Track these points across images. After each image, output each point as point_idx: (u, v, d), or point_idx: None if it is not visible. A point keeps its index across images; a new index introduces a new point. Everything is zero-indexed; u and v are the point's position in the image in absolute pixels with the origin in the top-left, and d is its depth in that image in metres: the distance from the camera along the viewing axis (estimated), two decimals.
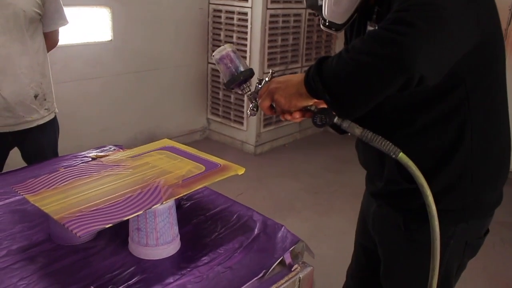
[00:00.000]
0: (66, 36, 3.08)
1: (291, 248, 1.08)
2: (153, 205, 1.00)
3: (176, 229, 1.08)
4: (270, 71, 1.12)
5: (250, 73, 1.10)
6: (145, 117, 3.77)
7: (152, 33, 3.61)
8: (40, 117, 1.88)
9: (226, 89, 1.15)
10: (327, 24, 1.12)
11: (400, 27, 0.83)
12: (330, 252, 2.58)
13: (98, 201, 1.02)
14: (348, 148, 4.30)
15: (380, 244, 1.25)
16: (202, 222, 1.21)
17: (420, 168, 0.94)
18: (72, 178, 1.14)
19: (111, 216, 0.96)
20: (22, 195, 1.07)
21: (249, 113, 1.15)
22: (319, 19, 1.17)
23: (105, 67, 3.37)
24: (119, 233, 1.12)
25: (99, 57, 3.31)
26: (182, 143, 1.41)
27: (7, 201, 1.25)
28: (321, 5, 1.10)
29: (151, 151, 1.31)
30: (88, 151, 1.62)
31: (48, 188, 1.09)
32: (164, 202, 1.01)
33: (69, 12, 2.02)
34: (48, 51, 1.94)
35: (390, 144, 0.93)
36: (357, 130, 0.96)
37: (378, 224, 1.24)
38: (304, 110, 1.03)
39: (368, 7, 1.08)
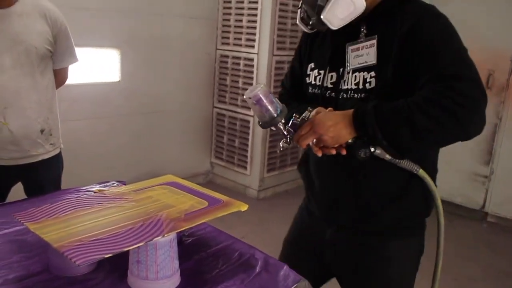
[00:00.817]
0: (76, 75, 3.17)
1: (293, 287, 1.05)
2: (155, 237, 0.99)
3: (176, 263, 1.06)
4: (308, 108, 1.16)
5: (286, 113, 1.13)
6: (150, 158, 3.78)
7: (160, 76, 3.68)
8: (45, 152, 1.90)
9: (262, 128, 1.19)
10: (313, 22, 1.17)
11: (458, 98, 1.01)
12: None
13: (98, 232, 1.01)
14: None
15: (346, 268, 1.34)
16: (203, 259, 1.18)
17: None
18: (74, 209, 1.13)
19: (111, 247, 0.95)
20: (22, 223, 1.06)
21: (281, 145, 1.18)
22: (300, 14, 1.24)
23: (112, 107, 3.42)
24: (119, 266, 1.09)
25: (107, 97, 3.37)
26: None
27: (6, 231, 1.24)
28: (320, 5, 1.14)
29: (154, 186, 1.31)
30: (90, 186, 1.62)
31: (49, 217, 1.08)
32: (165, 235, 1.00)
33: (80, 52, 2.07)
34: (56, 88, 1.98)
35: (411, 162, 1.14)
36: (388, 155, 1.12)
37: (346, 250, 1.31)
38: (344, 146, 1.13)
39: (353, 25, 1.16)
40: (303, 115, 1.14)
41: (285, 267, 1.15)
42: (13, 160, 1.83)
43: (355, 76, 1.18)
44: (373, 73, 1.15)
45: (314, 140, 1.13)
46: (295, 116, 1.14)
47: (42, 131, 1.85)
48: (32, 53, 1.75)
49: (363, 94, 1.17)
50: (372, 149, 1.10)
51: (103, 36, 3.28)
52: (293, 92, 1.42)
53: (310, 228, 1.40)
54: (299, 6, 1.26)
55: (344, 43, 1.20)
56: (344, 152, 1.12)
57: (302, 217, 1.47)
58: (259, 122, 1.17)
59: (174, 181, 1.36)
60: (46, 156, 1.90)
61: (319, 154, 1.13)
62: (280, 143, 1.18)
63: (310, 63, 1.32)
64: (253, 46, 3.69)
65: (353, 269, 1.32)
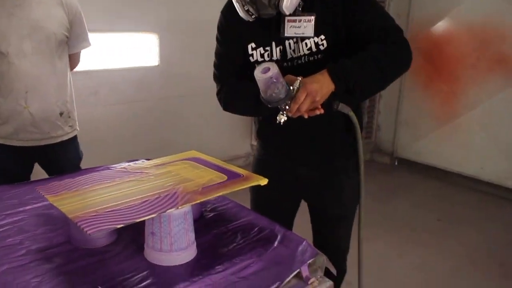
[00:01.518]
0: (116, 59, 3.24)
1: (310, 261, 1.02)
2: (168, 209, 0.99)
3: (192, 236, 1.06)
4: (299, 79, 1.21)
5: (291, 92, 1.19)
6: (188, 140, 3.82)
7: (197, 59, 3.69)
8: (64, 133, 1.95)
9: (269, 105, 1.20)
10: (264, 12, 1.28)
11: (400, 41, 1.33)
12: (370, 280, 2.45)
13: (114, 204, 1.02)
14: (396, 178, 4.17)
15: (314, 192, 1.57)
16: (222, 233, 1.18)
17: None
18: (94, 183, 1.15)
19: (124, 218, 0.95)
20: (43, 195, 1.09)
21: (282, 119, 1.21)
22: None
23: (151, 90, 3.47)
24: (137, 240, 1.11)
25: (146, 81, 3.42)
26: None
27: (34, 205, 1.29)
28: None
29: (176, 161, 1.31)
30: (120, 164, 1.65)
31: (69, 190, 1.11)
32: (179, 207, 1.00)
33: (119, 37, 2.07)
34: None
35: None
36: (346, 108, 1.31)
37: (318, 182, 1.54)
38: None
39: None
40: (296, 86, 1.19)
41: (304, 242, 1.12)
42: (33, 141, 1.87)
43: (305, 43, 1.35)
44: (322, 37, 1.34)
45: None
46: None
47: (61, 114, 1.90)
48: (51, 39, 1.79)
49: (319, 55, 1.36)
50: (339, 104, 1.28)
51: (143, 21, 3.32)
52: (234, 80, 1.47)
53: (282, 171, 1.55)
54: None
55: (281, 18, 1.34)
56: (322, 111, 1.24)
57: (270, 165, 1.58)
58: (262, 98, 1.20)
59: (197, 156, 1.36)
60: (65, 138, 1.95)
61: (306, 116, 1.24)
62: (280, 117, 1.20)
63: (250, 43, 1.41)
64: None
65: (321, 190, 1.56)
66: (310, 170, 1.53)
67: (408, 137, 4.31)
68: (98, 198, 1.05)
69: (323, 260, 1.06)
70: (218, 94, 1.51)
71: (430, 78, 4.01)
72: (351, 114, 1.35)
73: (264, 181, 1.17)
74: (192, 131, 3.81)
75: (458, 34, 3.79)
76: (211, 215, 1.28)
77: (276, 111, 1.21)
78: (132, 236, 1.13)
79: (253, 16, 1.32)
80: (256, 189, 1.53)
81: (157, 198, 1.04)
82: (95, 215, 0.96)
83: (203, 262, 1.04)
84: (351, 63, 1.25)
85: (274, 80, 1.15)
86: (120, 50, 3.31)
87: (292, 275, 0.98)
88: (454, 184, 3.94)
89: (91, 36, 2.00)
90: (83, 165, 2.05)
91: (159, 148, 3.65)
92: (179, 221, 1.02)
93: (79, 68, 2.14)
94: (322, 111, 1.24)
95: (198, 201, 1.04)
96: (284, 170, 1.55)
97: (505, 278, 2.62)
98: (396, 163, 4.50)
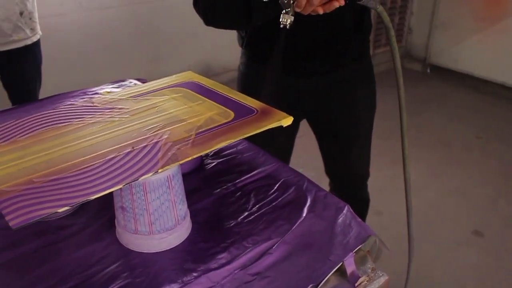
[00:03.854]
0: None
1: (357, 248, 0.69)
2: (141, 175, 0.64)
3: (182, 209, 0.72)
4: None
5: None
6: (201, 46, 3.40)
7: None
8: (26, 37, 1.84)
9: (258, 3, 0.83)
10: None
11: None
12: (402, 210, 2.17)
13: (63, 165, 0.67)
14: (428, 87, 3.75)
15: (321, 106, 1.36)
16: (228, 194, 0.84)
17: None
18: (42, 127, 0.80)
19: (71, 193, 0.61)
20: None
21: (287, 21, 0.89)
22: None
23: None
24: (108, 208, 0.78)
25: None
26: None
27: None
28: None
29: (163, 89, 0.94)
30: (101, 87, 1.29)
31: (6, 139, 0.76)
32: (160, 170, 0.65)
33: None
34: None
35: None
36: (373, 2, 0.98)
37: (325, 96, 1.32)
38: None
39: None
40: None
41: (346, 209, 0.78)
42: None
43: None
44: None
45: None
46: None
47: (21, 13, 1.79)
48: None
49: None
50: None
51: None
52: None
53: (279, 87, 1.30)
54: None
55: None
56: (342, 2, 0.92)
57: (264, 81, 1.32)
58: None
59: (194, 81, 0.98)
60: (28, 42, 1.86)
61: (321, 11, 0.92)
62: (285, 19, 0.89)
63: None
64: None
65: (329, 106, 1.36)
66: (314, 83, 1.30)
67: (444, 42, 3.81)
68: (41, 156, 0.70)
69: (375, 241, 0.72)
70: (194, 4, 1.15)
71: None
72: (380, 9, 1.02)
73: (288, 121, 0.81)
74: (204, 36, 3.37)
75: None
76: (214, 163, 0.94)
77: (275, 15, 0.90)
78: (100, 203, 0.79)
79: None
80: None
81: (128, 153, 0.69)
82: (27, 189, 0.62)
83: (200, 247, 0.71)
84: None
85: None
86: None
87: (332, 272, 0.65)
88: (495, 96, 3.51)
89: None
90: (55, 89, 1.82)
91: (166, 57, 3.26)
92: (161, 192, 0.68)
93: None
94: (342, 2, 0.92)
95: (189, 158, 0.69)
96: (282, 85, 1.29)
97: None
98: (428, 71, 4.05)
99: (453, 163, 2.70)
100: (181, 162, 0.67)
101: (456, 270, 1.95)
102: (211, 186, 0.86)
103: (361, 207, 1.64)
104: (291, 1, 0.87)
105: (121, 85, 1.30)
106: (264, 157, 0.96)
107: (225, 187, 0.86)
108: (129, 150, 0.70)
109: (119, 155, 0.69)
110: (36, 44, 1.93)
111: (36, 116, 0.84)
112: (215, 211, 0.79)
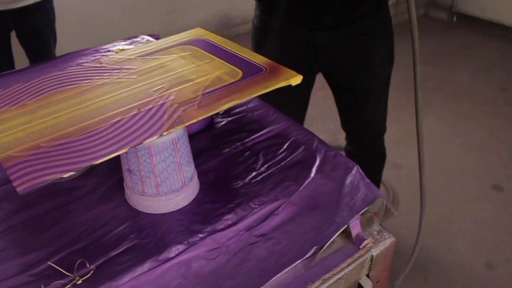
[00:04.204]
0: None
1: (363, 211, 0.69)
2: (146, 138, 0.64)
3: (189, 170, 0.72)
4: None
5: None
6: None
7: None
8: None
9: None
10: None
11: None
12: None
13: (69, 130, 0.68)
14: (453, 38, 3.61)
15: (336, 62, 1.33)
16: (237, 154, 0.84)
17: None
18: (50, 89, 0.80)
19: (77, 158, 0.62)
20: None
21: None
22: None
23: None
24: (118, 169, 0.79)
25: None
26: None
27: None
28: None
29: (172, 46, 0.93)
30: (113, 44, 1.28)
31: (14, 104, 0.76)
32: (165, 133, 0.65)
33: None
34: None
35: None
36: None
37: (341, 48, 1.29)
38: None
39: None
40: None
41: (355, 169, 0.77)
42: (4, 4, 1.77)
43: None
44: None
45: None
46: None
47: None
48: None
49: None
50: None
51: None
52: None
53: (294, 39, 1.31)
54: None
55: None
56: None
57: (278, 34, 1.33)
58: None
59: (203, 38, 0.96)
60: None
61: None
62: None
63: None
64: None
65: (344, 58, 1.33)
66: (329, 36, 1.27)
67: None
68: (48, 120, 0.71)
69: (382, 203, 0.72)
70: None
71: None
72: None
73: (297, 79, 0.79)
74: None
75: None
76: (223, 122, 0.93)
77: None
78: (111, 165, 0.80)
79: None
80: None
81: (134, 116, 0.69)
82: (34, 154, 0.63)
83: (207, 208, 0.72)
84: None
85: None
86: None
87: (336, 234, 0.66)
88: None
89: None
90: (71, 45, 1.84)
91: (183, 9, 3.20)
92: (166, 154, 0.68)
93: None
94: None
95: (195, 120, 0.68)
96: (297, 37, 1.29)
97: None
98: (454, 19, 3.90)
99: (476, 116, 2.64)
100: (186, 124, 0.67)
101: (473, 225, 1.94)
102: (220, 146, 0.86)
103: (377, 162, 1.63)
104: None
105: (133, 42, 1.29)
106: (274, 115, 0.95)
107: (234, 146, 0.85)
108: (135, 112, 0.70)
109: (124, 118, 0.69)
110: (48, 1, 1.95)
111: (45, 78, 0.84)
112: (224, 171, 0.79)
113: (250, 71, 0.81)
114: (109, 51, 1.24)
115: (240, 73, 0.80)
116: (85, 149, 0.63)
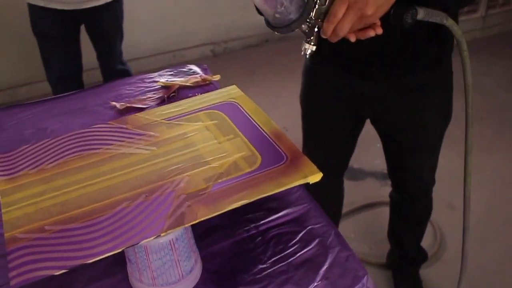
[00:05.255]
0: None
1: None
2: (143, 238, 0.64)
3: (187, 265, 0.71)
4: None
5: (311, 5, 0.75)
6: None
7: None
8: None
9: (285, 33, 0.73)
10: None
11: None
12: (478, 207, 2.00)
13: (74, 212, 0.69)
14: None
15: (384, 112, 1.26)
16: (248, 239, 0.81)
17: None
18: (72, 151, 0.81)
19: (73, 252, 0.63)
20: None
21: (308, 50, 0.80)
22: None
23: None
24: None
25: None
26: None
27: None
28: None
29: (201, 110, 0.91)
30: (159, 73, 1.29)
31: (34, 167, 0.79)
32: (162, 234, 0.64)
33: None
34: None
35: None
36: (437, 15, 0.85)
37: (391, 101, 1.22)
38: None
39: None
40: None
41: (366, 277, 0.73)
42: (75, 4, 1.84)
43: None
44: None
45: None
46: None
47: None
48: None
49: None
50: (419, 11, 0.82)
51: None
52: None
53: (342, 85, 1.25)
54: None
55: None
56: (380, 30, 0.81)
57: (327, 77, 1.27)
58: (270, 24, 0.78)
59: (235, 102, 0.93)
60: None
61: (353, 39, 0.81)
62: (306, 47, 0.80)
63: None
64: None
65: (394, 113, 1.26)
66: (380, 88, 1.19)
67: None
68: (59, 195, 0.72)
69: None
70: None
71: None
72: (450, 23, 0.89)
73: (316, 178, 0.75)
74: None
75: None
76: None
77: None
78: None
79: None
80: (308, 100, 1.36)
81: (139, 204, 0.69)
82: (37, 239, 0.64)
83: None
84: None
85: None
86: None
87: None
88: None
89: None
90: (138, 44, 1.89)
91: (240, 10, 3.15)
92: (163, 253, 0.67)
93: None
94: (380, 30, 0.80)
95: (196, 222, 0.67)
96: (345, 83, 1.23)
97: None
98: None
99: None
100: (186, 225, 0.66)
101: None
102: (234, 225, 0.84)
103: (420, 215, 1.55)
104: (315, 29, 0.77)
105: (180, 72, 1.29)
106: (298, 193, 0.91)
107: (247, 228, 0.83)
108: (141, 200, 0.70)
109: (130, 205, 0.69)
110: (117, 0, 1.99)
111: (71, 136, 0.85)
112: (229, 259, 0.78)
113: (270, 158, 0.78)
114: (154, 81, 1.24)
115: (259, 160, 0.77)
116: (83, 242, 0.64)
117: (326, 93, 1.30)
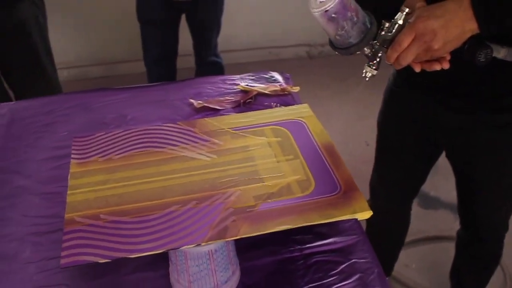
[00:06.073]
0: None
1: None
2: (185, 244, 0.67)
3: (224, 275, 0.73)
4: (405, 10, 0.76)
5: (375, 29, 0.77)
6: None
7: None
8: None
9: (344, 54, 0.72)
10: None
11: None
12: None
13: (129, 206, 0.74)
14: None
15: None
16: (290, 260, 0.82)
17: None
18: (140, 146, 0.87)
19: (120, 244, 0.67)
20: (72, 156, 0.85)
21: (368, 74, 0.82)
22: None
23: None
24: None
25: None
26: None
27: None
28: None
29: (268, 124, 0.92)
30: (241, 76, 1.32)
31: (103, 156, 0.85)
32: (203, 244, 0.67)
33: None
34: None
35: None
36: None
37: (468, 136, 1.13)
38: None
39: None
40: (398, 20, 0.76)
41: None
42: None
43: None
44: None
45: None
46: (383, 26, 0.78)
47: None
48: None
49: None
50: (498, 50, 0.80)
51: None
52: None
53: (420, 110, 1.19)
54: None
55: None
56: (447, 65, 0.79)
57: (406, 100, 1.22)
58: (332, 43, 0.80)
59: (303, 121, 0.94)
60: None
61: (418, 69, 0.81)
62: (367, 71, 0.82)
63: None
64: None
65: (471, 148, 1.17)
66: (458, 119, 1.11)
67: None
68: (120, 187, 0.78)
69: None
70: None
71: None
72: None
73: (365, 215, 0.74)
74: None
75: None
76: None
77: None
78: None
79: None
80: (385, 121, 1.32)
81: (188, 210, 0.72)
82: (91, 225, 0.70)
83: None
84: None
85: (333, 15, 0.72)
86: None
87: None
88: None
89: None
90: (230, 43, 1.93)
91: None
92: (200, 261, 0.70)
93: None
94: (446, 65, 0.79)
95: (237, 237, 0.69)
96: (423, 110, 1.17)
97: None
98: None
99: None
100: (226, 239, 0.68)
101: None
102: (279, 243, 0.84)
103: (487, 261, 1.45)
104: (378, 55, 0.76)
105: (261, 78, 1.31)
106: (350, 223, 0.89)
107: (291, 248, 0.84)
108: (191, 206, 0.73)
109: (179, 210, 0.72)
110: None
111: (143, 130, 0.91)
112: (266, 276, 0.79)
113: (324, 186, 0.78)
114: (235, 84, 1.28)
115: (312, 187, 0.77)
116: (130, 236, 0.69)
117: (403, 116, 1.26)
